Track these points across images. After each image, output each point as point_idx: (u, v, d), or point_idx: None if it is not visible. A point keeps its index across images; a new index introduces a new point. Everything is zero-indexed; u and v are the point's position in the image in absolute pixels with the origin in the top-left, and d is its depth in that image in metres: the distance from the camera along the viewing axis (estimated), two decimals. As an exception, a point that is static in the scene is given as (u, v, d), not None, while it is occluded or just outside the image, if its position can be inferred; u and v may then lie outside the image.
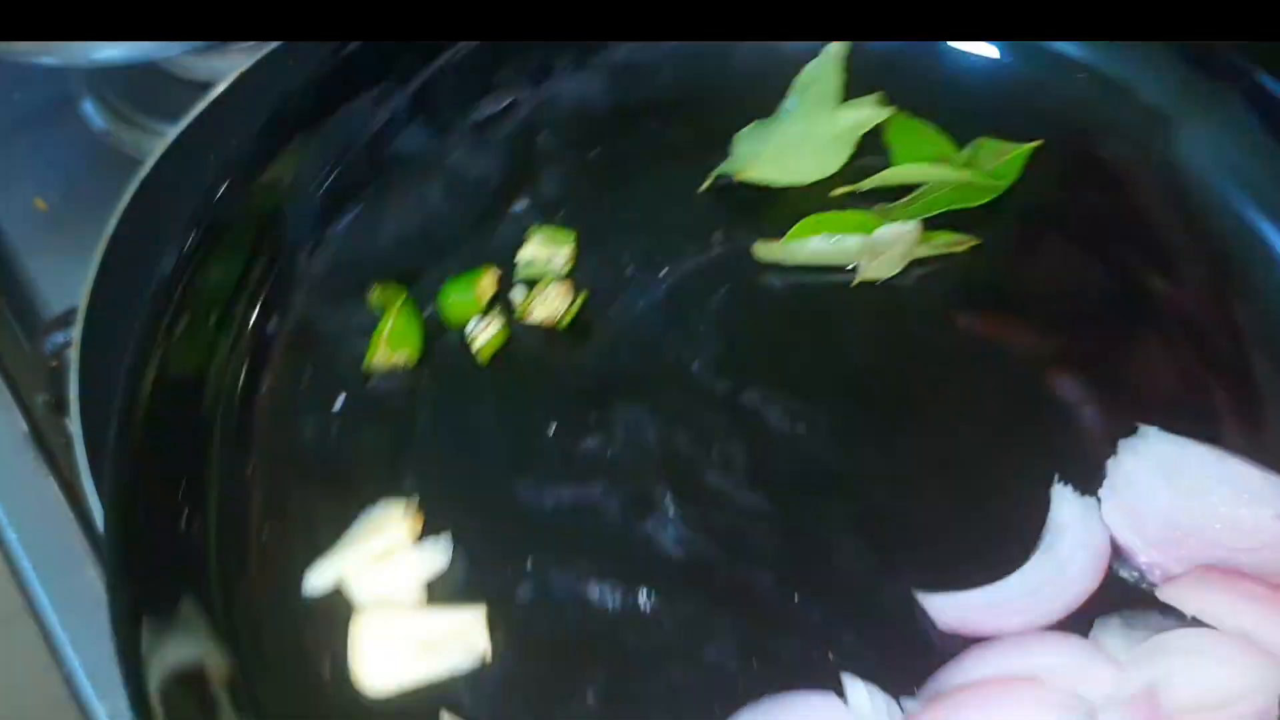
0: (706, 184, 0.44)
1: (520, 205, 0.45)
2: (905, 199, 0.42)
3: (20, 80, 0.68)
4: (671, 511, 0.38)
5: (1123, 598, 0.36)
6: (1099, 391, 0.40)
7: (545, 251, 0.43)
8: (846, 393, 0.41)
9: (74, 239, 0.60)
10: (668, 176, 0.45)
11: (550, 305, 0.42)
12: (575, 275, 0.43)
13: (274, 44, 0.57)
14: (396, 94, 0.46)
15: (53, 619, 0.49)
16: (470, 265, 0.44)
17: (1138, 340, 0.41)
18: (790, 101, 0.44)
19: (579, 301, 0.42)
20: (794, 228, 0.42)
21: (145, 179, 0.53)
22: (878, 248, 0.41)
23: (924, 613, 0.36)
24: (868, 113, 0.43)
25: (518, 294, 0.43)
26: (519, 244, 0.44)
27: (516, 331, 0.43)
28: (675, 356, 0.42)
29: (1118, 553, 0.36)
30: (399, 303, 0.42)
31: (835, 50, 0.45)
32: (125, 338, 0.53)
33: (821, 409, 0.40)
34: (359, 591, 0.38)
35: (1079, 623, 0.35)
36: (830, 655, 0.36)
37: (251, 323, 0.43)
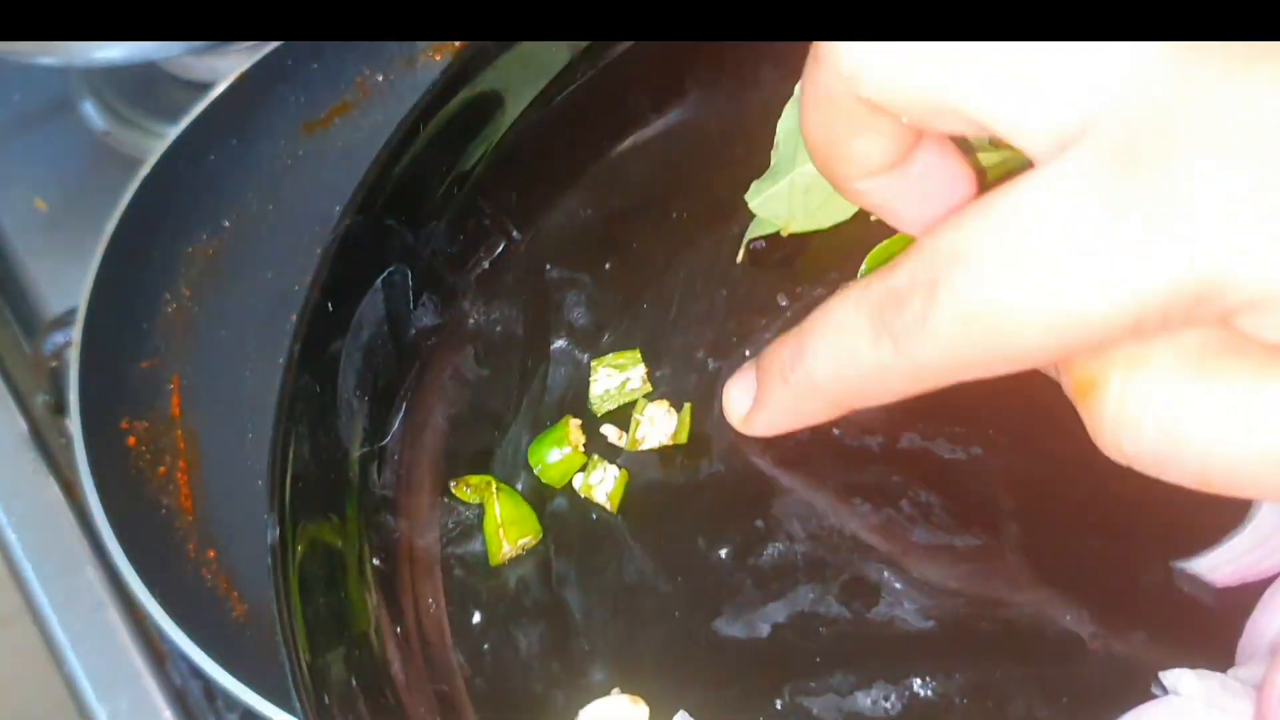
0: (741, 254, 0.42)
1: (559, 343, 0.42)
2: None
3: (20, 80, 0.68)
4: (898, 584, 0.35)
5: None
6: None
7: (618, 379, 0.40)
8: (996, 397, 0.36)
9: (74, 239, 0.60)
10: (694, 262, 0.42)
11: (661, 426, 0.39)
12: (657, 391, 0.40)
13: (274, 44, 0.57)
14: (396, 276, 0.42)
15: (52, 619, 0.49)
16: (538, 424, 0.40)
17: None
18: (783, 149, 0.42)
19: (687, 411, 0.39)
20: (868, 260, 0.39)
21: (145, 179, 0.53)
22: None
23: (1194, 580, 0.33)
24: None
25: (610, 431, 0.39)
26: (577, 383, 0.41)
27: (634, 466, 0.39)
28: (810, 430, 0.37)
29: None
30: (492, 489, 0.38)
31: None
32: (125, 338, 0.53)
33: (983, 423, 0.37)
34: None
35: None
36: (1132, 663, 0.33)
37: (365, 570, 0.38)
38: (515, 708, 0.36)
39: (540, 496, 0.39)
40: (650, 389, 0.40)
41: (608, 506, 0.38)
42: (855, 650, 0.34)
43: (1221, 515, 0.34)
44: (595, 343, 0.41)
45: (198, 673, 0.47)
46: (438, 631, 0.37)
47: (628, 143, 0.46)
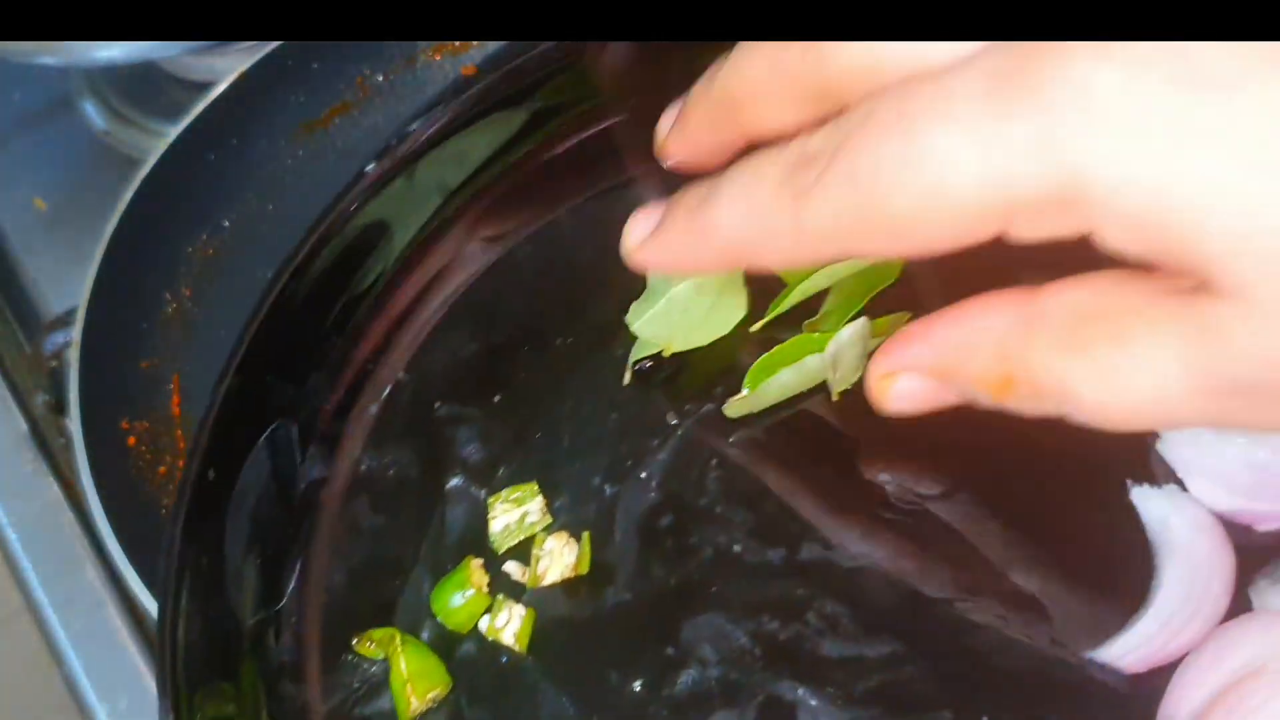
0: (628, 376, 0.41)
1: (455, 482, 0.41)
2: (824, 308, 0.40)
3: (20, 80, 0.68)
4: (814, 700, 0.35)
5: (1257, 558, 0.34)
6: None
7: (516, 514, 0.39)
8: (892, 505, 0.38)
9: (74, 239, 0.60)
10: (581, 386, 0.42)
11: (561, 559, 0.38)
12: (557, 522, 0.40)
13: (273, 44, 0.57)
14: (280, 431, 0.41)
15: (52, 619, 0.49)
16: (439, 567, 0.39)
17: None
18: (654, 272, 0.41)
19: (586, 541, 0.38)
20: (750, 375, 0.39)
21: (145, 179, 0.53)
22: (840, 357, 0.39)
23: (1107, 669, 0.34)
24: None
25: (512, 568, 0.39)
26: (474, 523, 0.40)
27: (539, 603, 0.38)
28: (711, 549, 0.38)
29: (1227, 521, 0.35)
30: (396, 643, 0.37)
31: None
32: (125, 338, 0.53)
33: (881, 527, 0.37)
34: None
35: (1238, 602, 0.33)
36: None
37: None
38: None
39: (447, 643, 0.38)
40: (550, 520, 0.39)
41: (516, 648, 0.37)
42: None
43: (1126, 600, 0.34)
44: (491, 478, 0.41)
45: (198, 672, 0.47)
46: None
47: (503, 274, 0.46)
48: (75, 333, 0.49)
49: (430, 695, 0.37)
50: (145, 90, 0.66)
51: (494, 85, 0.45)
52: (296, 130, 0.60)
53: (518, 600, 0.38)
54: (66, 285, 0.57)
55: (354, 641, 0.38)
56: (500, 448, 0.41)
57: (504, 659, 0.37)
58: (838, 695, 0.35)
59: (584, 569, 0.38)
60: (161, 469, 0.50)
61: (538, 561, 0.38)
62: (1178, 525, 0.35)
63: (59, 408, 0.53)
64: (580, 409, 0.42)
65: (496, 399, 0.43)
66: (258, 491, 0.39)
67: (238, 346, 0.40)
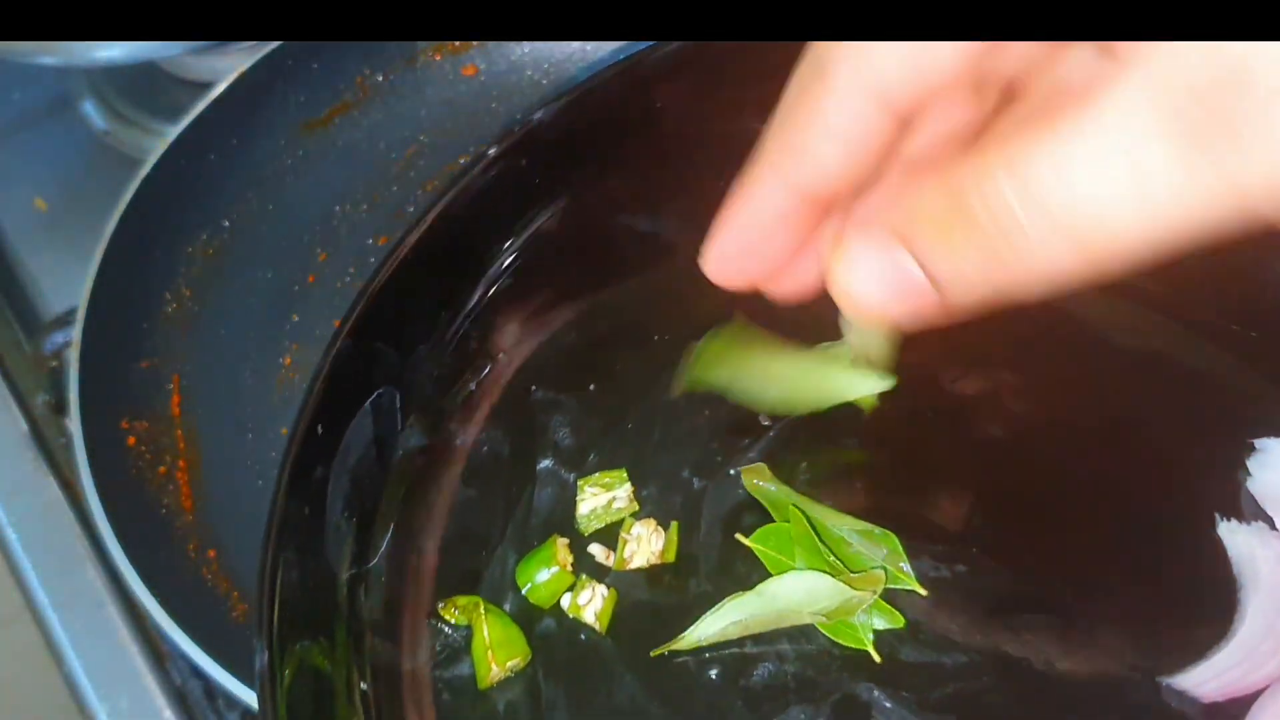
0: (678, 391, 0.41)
1: (545, 463, 0.42)
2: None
3: (20, 80, 0.68)
4: (888, 703, 0.35)
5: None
6: (1201, 426, 0.39)
7: (604, 498, 0.40)
8: (983, 513, 0.38)
9: (74, 239, 0.60)
10: (676, 383, 0.41)
11: (648, 545, 0.39)
12: (643, 510, 0.40)
13: (274, 44, 0.57)
14: (384, 399, 0.42)
15: (52, 619, 0.49)
16: (525, 544, 0.40)
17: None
18: None
19: (674, 530, 0.39)
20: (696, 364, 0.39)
21: (145, 179, 0.53)
22: (865, 347, 0.36)
23: (1182, 696, 0.34)
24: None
25: (597, 550, 0.40)
26: (564, 503, 0.41)
27: (621, 585, 0.39)
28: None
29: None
30: (480, 611, 0.38)
31: None
32: (125, 337, 0.53)
33: (968, 541, 0.37)
34: None
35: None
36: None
37: (353, 695, 0.38)
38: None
39: (528, 617, 0.39)
40: (637, 507, 0.40)
41: (596, 627, 0.38)
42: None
43: (1206, 630, 0.35)
44: (581, 463, 0.41)
45: (198, 672, 0.47)
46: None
47: (613, 271, 0.46)
48: (75, 332, 0.49)
49: (510, 664, 0.37)
50: (145, 90, 0.66)
51: (609, 81, 0.45)
52: (297, 130, 0.60)
53: (600, 581, 0.39)
54: (67, 285, 0.57)
55: (440, 606, 0.39)
56: (592, 435, 0.42)
57: (583, 637, 0.38)
58: (912, 700, 0.35)
59: (670, 557, 0.39)
60: (161, 468, 0.50)
61: (624, 545, 0.39)
62: (1264, 560, 0.36)
63: (59, 407, 0.53)
64: (674, 404, 0.42)
65: (592, 388, 0.43)
66: (359, 453, 0.40)
67: (352, 311, 0.41)
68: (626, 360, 0.44)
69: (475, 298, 0.44)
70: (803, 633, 0.36)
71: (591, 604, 0.38)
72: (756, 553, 0.38)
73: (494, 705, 0.37)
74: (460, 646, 0.38)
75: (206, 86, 0.56)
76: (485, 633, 0.38)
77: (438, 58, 0.62)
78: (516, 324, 0.45)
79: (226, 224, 0.57)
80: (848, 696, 0.35)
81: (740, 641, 0.37)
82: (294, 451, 0.38)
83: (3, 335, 0.59)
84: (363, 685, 0.37)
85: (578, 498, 0.40)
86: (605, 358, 0.44)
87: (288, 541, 0.37)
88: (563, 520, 0.40)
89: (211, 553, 0.49)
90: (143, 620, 0.49)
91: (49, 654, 0.49)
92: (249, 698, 0.41)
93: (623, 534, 0.39)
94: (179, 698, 0.48)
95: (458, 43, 0.62)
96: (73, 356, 0.49)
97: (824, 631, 0.36)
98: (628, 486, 0.40)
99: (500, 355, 0.44)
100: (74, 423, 0.47)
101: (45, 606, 0.49)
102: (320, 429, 0.39)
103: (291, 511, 0.37)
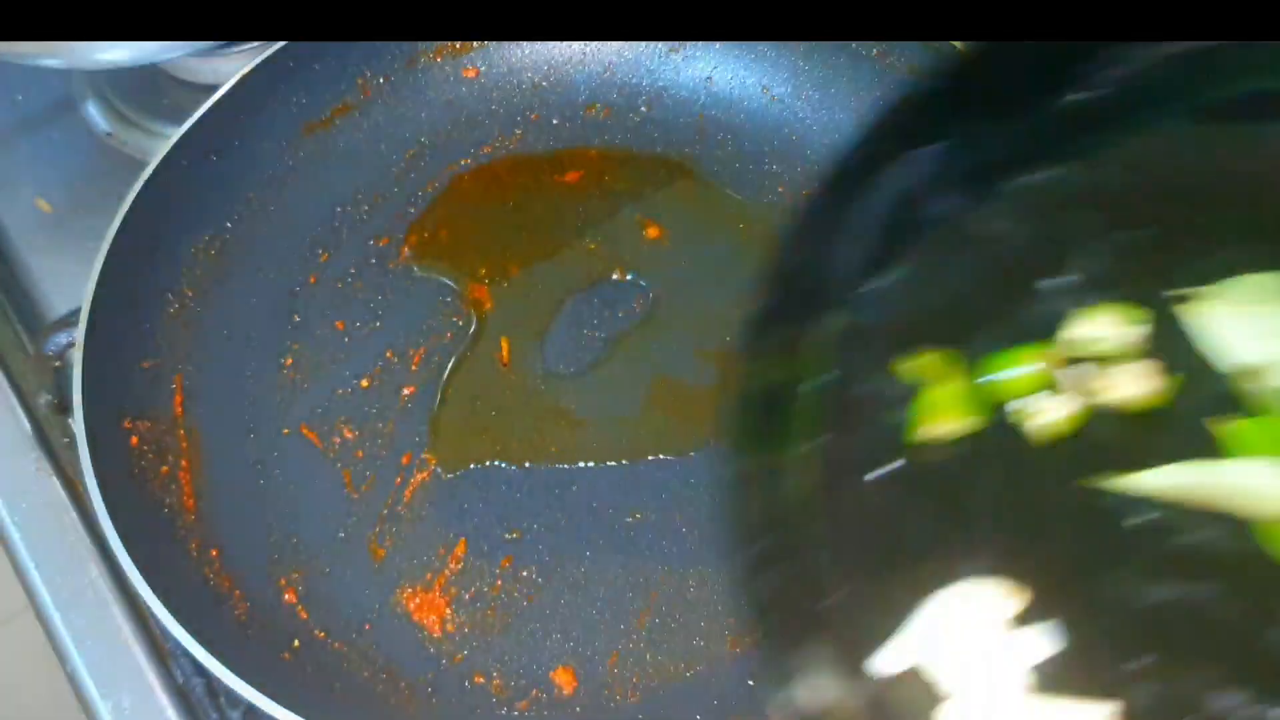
0: None
1: (1063, 281, 0.40)
2: None
3: (23, 82, 0.69)
4: None
5: None
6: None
7: (1114, 329, 0.38)
8: None
9: (77, 240, 0.60)
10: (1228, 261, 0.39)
11: (1133, 385, 0.37)
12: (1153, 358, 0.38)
13: (277, 45, 0.57)
14: (940, 154, 0.41)
15: (55, 617, 0.49)
16: (1009, 339, 0.39)
17: None
18: None
19: (1175, 384, 0.37)
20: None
21: (148, 180, 0.53)
22: None
23: None
24: None
25: (1084, 371, 0.38)
26: (1058, 321, 0.39)
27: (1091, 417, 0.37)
28: None
29: None
30: (950, 370, 0.38)
31: None
32: (127, 338, 0.53)
33: None
34: (948, 676, 0.34)
35: None
36: None
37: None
38: (894, 557, 0.36)
39: (987, 402, 0.38)
40: (1144, 350, 0.38)
41: (1036, 433, 0.37)
42: (1230, 655, 0.33)
43: None
44: (1105, 293, 0.39)
45: (201, 670, 0.47)
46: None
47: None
48: (78, 333, 0.49)
49: (952, 423, 0.38)
50: (148, 92, 0.67)
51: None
52: (298, 132, 0.60)
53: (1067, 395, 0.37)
54: (69, 286, 0.57)
55: (913, 352, 0.39)
56: (1125, 274, 0.40)
57: (1016, 443, 0.37)
58: None
59: (1151, 405, 0.37)
60: (164, 468, 0.50)
61: (1113, 376, 0.37)
62: None
63: (62, 408, 0.53)
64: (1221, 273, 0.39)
65: (1142, 233, 0.41)
66: (900, 187, 0.40)
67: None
68: (1205, 219, 0.40)
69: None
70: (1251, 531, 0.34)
71: (1050, 414, 0.37)
72: (1243, 435, 0.36)
73: (921, 458, 0.37)
74: (901, 399, 0.38)
75: (208, 89, 0.57)
76: (943, 388, 0.38)
77: (438, 59, 0.63)
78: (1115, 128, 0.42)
79: (228, 225, 0.57)
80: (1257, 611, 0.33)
81: (1179, 508, 0.35)
82: (862, 142, 0.39)
83: (5, 336, 0.59)
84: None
85: (1072, 318, 0.39)
86: (1174, 211, 0.41)
87: (813, 220, 0.39)
88: (1049, 333, 0.39)
89: (214, 552, 0.49)
90: (145, 619, 0.49)
91: (52, 652, 0.49)
92: (252, 695, 0.41)
93: (1119, 363, 0.37)
94: (181, 696, 0.48)
95: (458, 44, 0.62)
96: (75, 357, 0.49)
97: (1264, 538, 0.35)
98: (1144, 327, 0.38)
99: (1072, 163, 0.42)
100: (77, 423, 0.47)
101: (48, 605, 0.50)
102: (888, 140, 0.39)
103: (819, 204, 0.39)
